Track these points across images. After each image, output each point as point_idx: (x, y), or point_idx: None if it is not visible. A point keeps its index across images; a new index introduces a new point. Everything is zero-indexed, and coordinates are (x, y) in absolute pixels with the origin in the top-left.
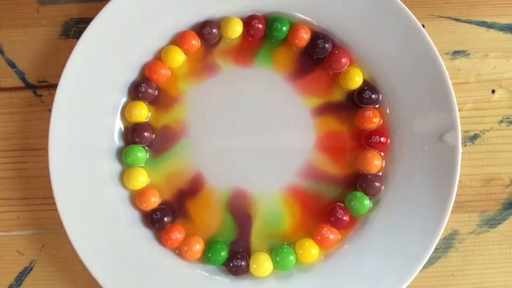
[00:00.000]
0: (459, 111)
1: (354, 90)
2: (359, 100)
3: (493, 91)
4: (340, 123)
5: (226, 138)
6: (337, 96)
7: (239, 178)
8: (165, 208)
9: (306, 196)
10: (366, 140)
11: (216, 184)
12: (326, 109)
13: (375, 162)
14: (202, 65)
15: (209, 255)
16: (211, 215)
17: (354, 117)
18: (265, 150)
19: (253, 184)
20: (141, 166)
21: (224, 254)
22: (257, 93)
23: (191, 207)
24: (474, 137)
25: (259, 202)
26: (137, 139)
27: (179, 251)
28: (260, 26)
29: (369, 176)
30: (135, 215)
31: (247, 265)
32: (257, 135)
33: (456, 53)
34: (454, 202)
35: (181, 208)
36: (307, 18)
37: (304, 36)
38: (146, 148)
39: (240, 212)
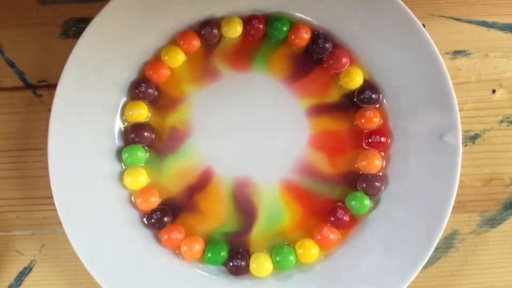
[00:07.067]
0: (459, 111)
1: (354, 90)
2: (360, 100)
3: (494, 91)
4: (337, 123)
5: (227, 136)
6: (335, 96)
7: (242, 169)
8: (165, 208)
9: (303, 192)
10: (366, 140)
11: (222, 175)
12: (321, 110)
13: (375, 162)
14: (204, 71)
15: (209, 255)
16: (219, 205)
17: (353, 117)
18: (263, 147)
19: (254, 175)
20: (141, 166)
21: (224, 254)
22: (255, 96)
23: (201, 200)
24: (475, 137)
25: (261, 192)
26: (137, 139)
27: (179, 251)
28: (260, 26)
29: (369, 176)
30: (134, 215)
31: (247, 265)
32: (255, 134)
33: (457, 53)
34: (455, 202)
35: (190, 203)
36: (307, 18)
37: (305, 36)
38: (146, 148)
39: (244, 200)
